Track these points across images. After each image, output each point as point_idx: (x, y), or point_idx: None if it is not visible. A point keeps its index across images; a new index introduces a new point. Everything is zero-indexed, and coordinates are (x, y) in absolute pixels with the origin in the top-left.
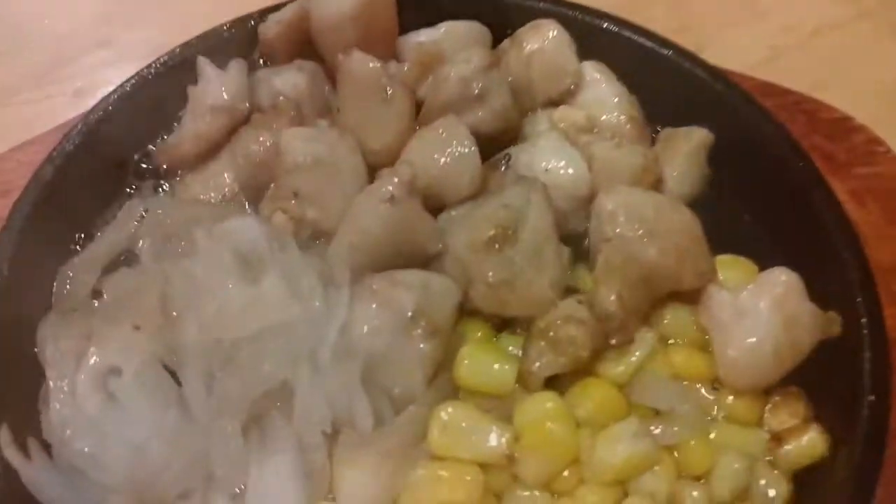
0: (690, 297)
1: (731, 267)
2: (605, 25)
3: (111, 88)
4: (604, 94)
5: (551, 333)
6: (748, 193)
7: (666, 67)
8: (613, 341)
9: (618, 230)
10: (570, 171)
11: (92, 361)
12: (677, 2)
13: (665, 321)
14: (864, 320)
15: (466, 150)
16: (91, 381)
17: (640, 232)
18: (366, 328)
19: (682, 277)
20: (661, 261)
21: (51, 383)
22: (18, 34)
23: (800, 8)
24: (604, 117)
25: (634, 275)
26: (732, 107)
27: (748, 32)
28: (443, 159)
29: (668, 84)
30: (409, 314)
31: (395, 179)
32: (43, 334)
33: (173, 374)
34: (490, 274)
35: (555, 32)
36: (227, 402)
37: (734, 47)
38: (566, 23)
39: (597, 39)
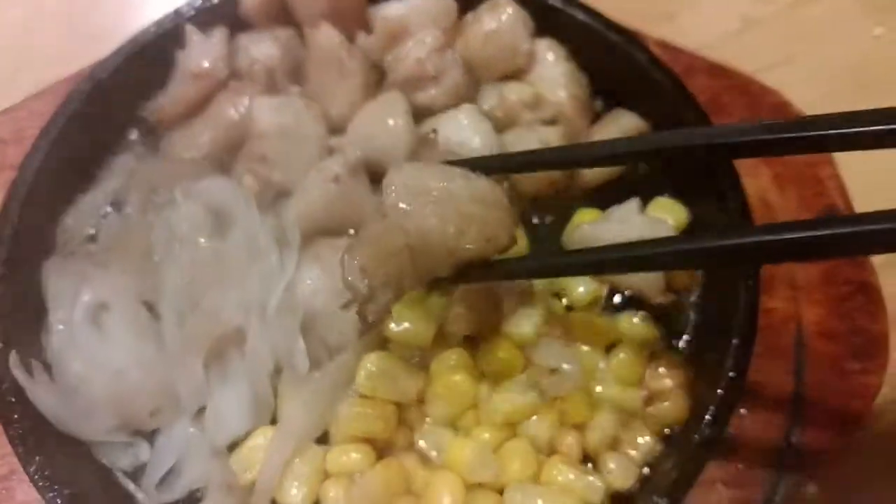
0: None
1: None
2: (555, 5)
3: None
4: (552, 73)
5: None
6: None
7: (610, 49)
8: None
9: (390, 204)
10: (479, 146)
11: (85, 298)
12: None
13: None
14: (741, 306)
15: (400, 125)
16: (84, 314)
17: (416, 203)
18: (308, 288)
19: (466, 242)
20: (439, 227)
21: (51, 315)
22: None
23: None
24: (549, 95)
25: (394, 245)
26: (664, 92)
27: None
28: (381, 133)
29: (614, 64)
30: None
31: (342, 160)
32: (46, 273)
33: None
34: None
35: (510, 11)
36: (192, 340)
37: (706, 16)
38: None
39: (550, 18)
